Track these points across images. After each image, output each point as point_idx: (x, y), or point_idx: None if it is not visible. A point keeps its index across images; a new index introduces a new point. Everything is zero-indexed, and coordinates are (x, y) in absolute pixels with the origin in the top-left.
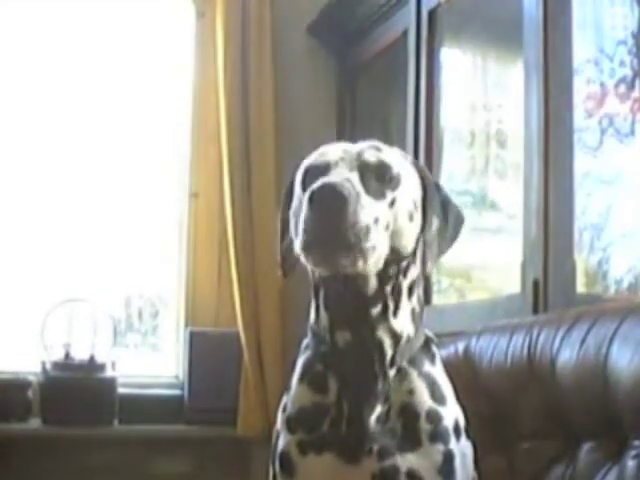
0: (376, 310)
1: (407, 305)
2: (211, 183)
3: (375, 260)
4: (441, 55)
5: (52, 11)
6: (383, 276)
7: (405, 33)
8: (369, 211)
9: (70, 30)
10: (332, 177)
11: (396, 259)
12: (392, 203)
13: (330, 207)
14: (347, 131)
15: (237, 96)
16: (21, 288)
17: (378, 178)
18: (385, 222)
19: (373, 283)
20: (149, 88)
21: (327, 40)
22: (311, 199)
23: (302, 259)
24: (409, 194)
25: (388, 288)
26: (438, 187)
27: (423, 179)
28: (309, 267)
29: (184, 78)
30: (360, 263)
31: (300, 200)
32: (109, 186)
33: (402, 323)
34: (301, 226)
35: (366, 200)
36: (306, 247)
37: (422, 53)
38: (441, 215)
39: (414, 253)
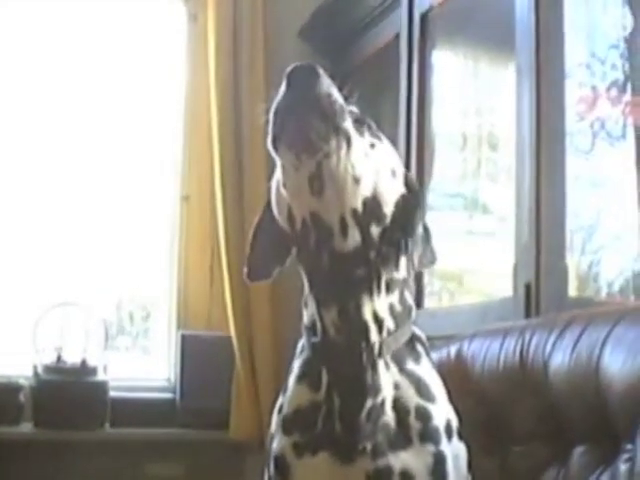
0: (360, 273)
1: (385, 297)
2: (203, 186)
3: (350, 164)
4: (433, 58)
5: (45, 14)
6: (365, 233)
7: (397, 37)
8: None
9: (63, 33)
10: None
11: (375, 214)
12: (372, 146)
13: (303, 78)
14: None
15: (229, 100)
16: (13, 292)
17: (357, 121)
18: (364, 149)
19: (353, 237)
20: (141, 91)
21: (319, 44)
22: (287, 75)
23: (271, 148)
24: (390, 157)
25: (372, 254)
26: (423, 213)
27: (409, 183)
28: (281, 162)
29: (176, 81)
30: (333, 142)
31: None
32: (101, 189)
33: (382, 308)
34: (272, 111)
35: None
36: (276, 128)
37: (414, 56)
38: (424, 236)
39: (396, 251)
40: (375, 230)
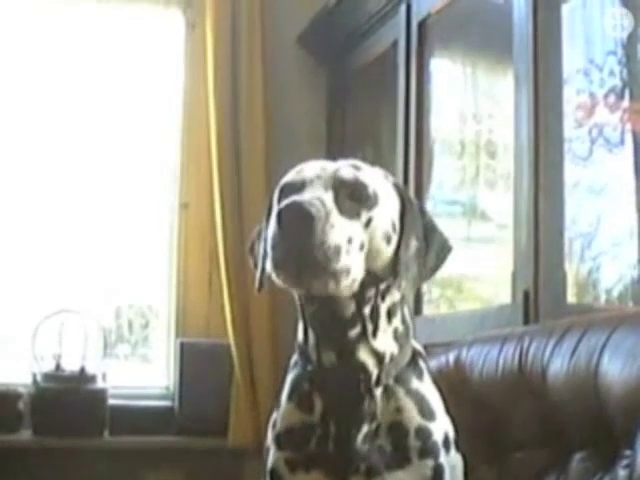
0: (354, 332)
1: (387, 327)
2: (201, 193)
3: (349, 282)
4: (431, 66)
5: (44, 22)
6: (360, 299)
7: (395, 44)
8: (340, 231)
9: (62, 42)
10: (303, 195)
11: (373, 281)
12: (367, 223)
13: (296, 226)
14: (337, 141)
15: (227, 107)
16: (11, 299)
17: (353, 197)
18: (359, 242)
19: (350, 306)
20: (139, 99)
21: (317, 51)
22: (278, 217)
23: (274, 278)
24: (387, 215)
25: (366, 310)
26: (423, 212)
27: (403, 201)
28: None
29: (174, 89)
30: (332, 285)
31: None
32: (99, 197)
33: (384, 343)
34: (269, 244)
35: (338, 219)
36: (275, 265)
37: (412, 64)
38: (422, 240)
39: (395, 275)
40: (371, 292)
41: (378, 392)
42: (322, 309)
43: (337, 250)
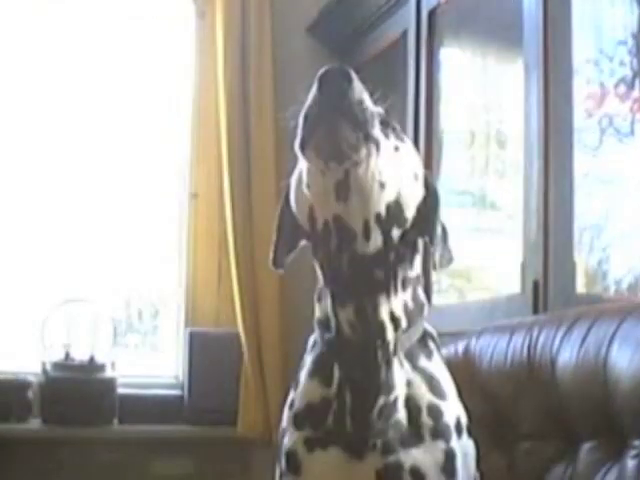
0: (380, 274)
1: (400, 295)
2: (211, 183)
3: (376, 175)
4: (441, 55)
5: (53, 12)
6: (387, 235)
7: (405, 33)
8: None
9: (71, 30)
10: None
11: (398, 218)
12: (396, 148)
13: (336, 83)
14: None
15: (237, 96)
16: (21, 288)
17: (383, 123)
18: (389, 151)
19: (375, 240)
20: (149, 88)
21: (327, 40)
22: (319, 78)
23: (299, 152)
24: (412, 158)
25: (391, 256)
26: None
27: (429, 188)
28: (307, 165)
29: (184, 78)
30: (363, 151)
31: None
32: (109, 186)
33: (398, 307)
34: (302, 114)
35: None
36: (306, 130)
37: (422, 53)
38: (441, 233)
39: (412, 249)
40: (396, 233)
41: (395, 362)
42: (346, 243)
43: (373, 116)
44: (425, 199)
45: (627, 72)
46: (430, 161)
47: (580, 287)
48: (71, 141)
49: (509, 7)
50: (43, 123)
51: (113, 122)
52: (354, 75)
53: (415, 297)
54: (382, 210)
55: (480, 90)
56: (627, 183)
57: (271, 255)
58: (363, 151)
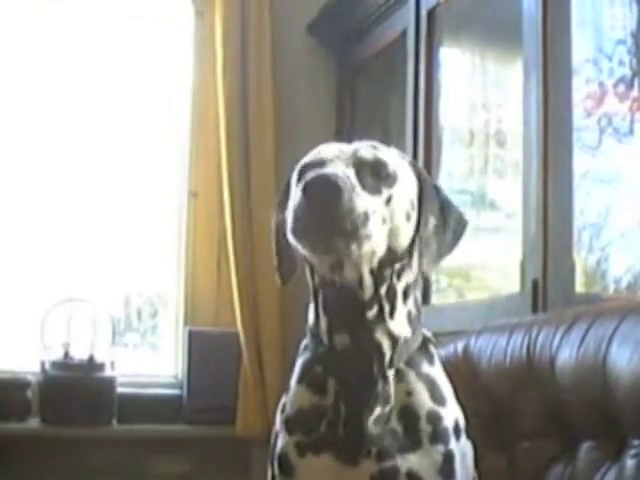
0: (372, 313)
1: (402, 308)
2: (210, 182)
3: (369, 251)
4: (440, 55)
5: (50, 13)
6: (378, 278)
7: (404, 33)
8: (365, 203)
9: (69, 29)
10: (327, 169)
11: (391, 260)
12: (388, 200)
13: (324, 196)
14: (346, 130)
15: (236, 95)
16: (20, 287)
17: (374, 175)
18: (381, 217)
19: (368, 286)
20: (148, 87)
21: (326, 39)
22: (304, 189)
23: (293, 243)
24: (406, 193)
25: (383, 290)
26: (437, 189)
27: (420, 179)
28: (301, 252)
29: (183, 77)
30: (354, 247)
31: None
32: (108, 185)
33: (399, 325)
34: (291, 215)
35: (361, 192)
36: (301, 235)
37: (421, 53)
38: (440, 217)
39: (410, 255)
40: (388, 271)
41: (391, 375)
42: (342, 294)
43: (365, 217)
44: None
45: (626, 71)
46: (429, 160)
47: (579, 286)
48: (70, 140)
49: (508, 7)
50: (42, 122)
51: (112, 121)
52: (341, 182)
53: (416, 302)
54: (374, 266)
55: (479, 89)
56: (626, 182)
57: (278, 280)
58: (354, 247)
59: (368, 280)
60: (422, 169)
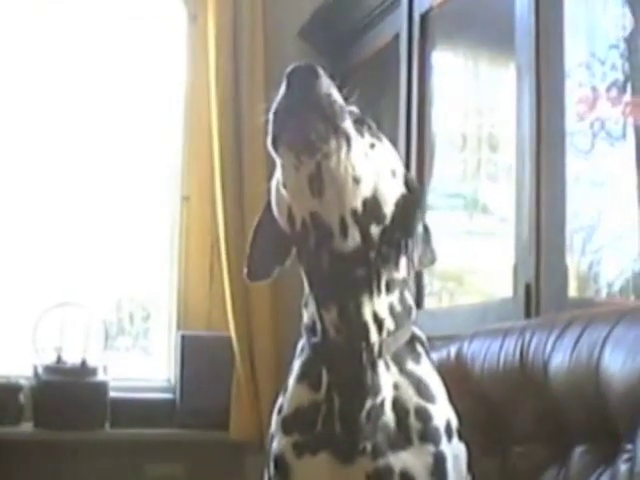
0: (360, 273)
1: (385, 297)
2: (203, 186)
3: (350, 165)
4: (433, 59)
5: (43, 17)
6: (365, 233)
7: (397, 37)
8: (344, 105)
9: (62, 34)
10: None
11: (375, 213)
12: (372, 146)
13: (303, 78)
14: None
15: (229, 99)
16: (13, 292)
17: (357, 121)
18: (363, 149)
19: (353, 237)
20: (141, 91)
21: (319, 44)
22: (286, 76)
23: (271, 148)
24: (391, 156)
25: (372, 254)
26: (422, 212)
27: (414, 189)
28: (280, 161)
29: (176, 81)
30: (333, 142)
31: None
32: (100, 189)
33: (383, 308)
34: (272, 111)
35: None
36: (276, 124)
37: (414, 57)
38: (424, 233)
39: (397, 250)
40: (375, 230)
41: (381, 365)
42: (324, 242)
43: (342, 109)
44: (406, 197)
45: (619, 76)
46: (422, 164)
47: (572, 290)
48: (63, 144)
49: (501, 11)
50: (36, 126)
51: (105, 125)
52: (322, 71)
53: (402, 300)
54: (358, 205)
55: (472, 93)
56: (619, 186)
57: (245, 270)
58: (333, 142)
59: (352, 224)
60: (415, 182)
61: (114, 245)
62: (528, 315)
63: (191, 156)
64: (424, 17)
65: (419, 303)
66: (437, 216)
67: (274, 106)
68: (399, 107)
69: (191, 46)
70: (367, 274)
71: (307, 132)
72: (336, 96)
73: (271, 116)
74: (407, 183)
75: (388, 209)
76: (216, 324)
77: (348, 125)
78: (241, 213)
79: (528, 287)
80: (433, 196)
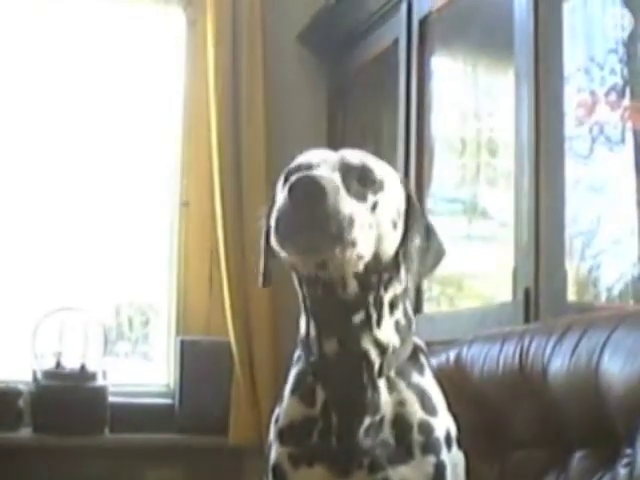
0: (358, 318)
1: (389, 318)
2: (202, 192)
3: (354, 257)
4: (432, 64)
5: (43, 20)
6: (364, 283)
7: (396, 42)
8: (350, 206)
9: (62, 39)
10: (313, 172)
11: (377, 266)
12: (374, 207)
13: (309, 196)
14: (338, 139)
15: (228, 104)
16: (12, 297)
17: (360, 180)
18: (367, 222)
19: (353, 288)
20: (140, 96)
21: (318, 49)
22: (289, 190)
23: (276, 247)
24: (392, 201)
25: (370, 298)
26: (423, 213)
27: (409, 198)
28: (284, 256)
29: (175, 86)
30: (338, 251)
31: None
32: (100, 194)
33: (386, 334)
34: (276, 217)
35: (347, 197)
36: (280, 234)
37: (413, 62)
38: (424, 239)
39: (397, 268)
40: (374, 278)
41: (381, 383)
42: (326, 292)
43: (351, 220)
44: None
45: (618, 80)
46: (421, 169)
47: (571, 295)
48: (63, 149)
49: (500, 16)
50: (34, 130)
51: (104, 130)
52: (325, 182)
53: (406, 312)
54: (360, 270)
55: (471, 98)
56: (618, 191)
57: (260, 279)
58: (338, 250)
59: (352, 282)
60: (411, 189)
61: (113, 250)
62: (527, 319)
63: (190, 161)
64: (423, 22)
65: (418, 308)
66: (436, 221)
67: (276, 214)
68: (398, 112)
69: (190, 51)
70: (365, 317)
71: (314, 247)
72: (343, 206)
73: (273, 223)
74: (407, 198)
75: (387, 258)
76: (215, 329)
77: (356, 233)
78: (240, 219)
79: (527, 291)
80: (432, 201)
